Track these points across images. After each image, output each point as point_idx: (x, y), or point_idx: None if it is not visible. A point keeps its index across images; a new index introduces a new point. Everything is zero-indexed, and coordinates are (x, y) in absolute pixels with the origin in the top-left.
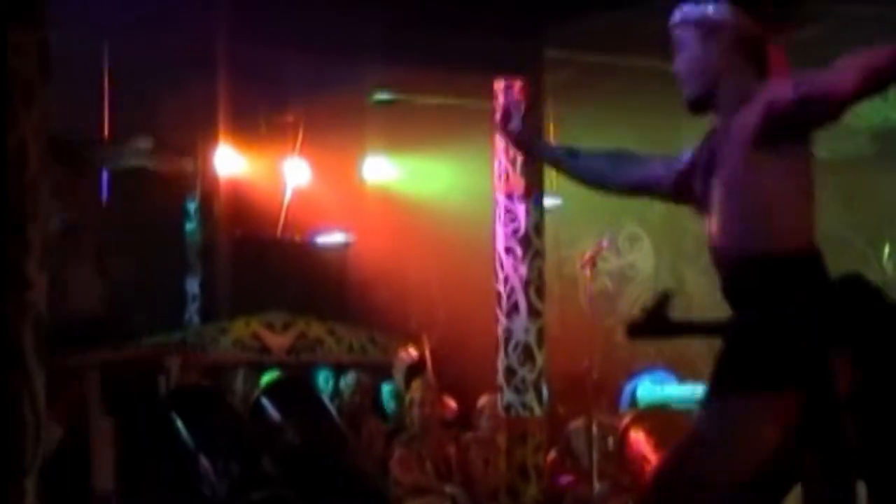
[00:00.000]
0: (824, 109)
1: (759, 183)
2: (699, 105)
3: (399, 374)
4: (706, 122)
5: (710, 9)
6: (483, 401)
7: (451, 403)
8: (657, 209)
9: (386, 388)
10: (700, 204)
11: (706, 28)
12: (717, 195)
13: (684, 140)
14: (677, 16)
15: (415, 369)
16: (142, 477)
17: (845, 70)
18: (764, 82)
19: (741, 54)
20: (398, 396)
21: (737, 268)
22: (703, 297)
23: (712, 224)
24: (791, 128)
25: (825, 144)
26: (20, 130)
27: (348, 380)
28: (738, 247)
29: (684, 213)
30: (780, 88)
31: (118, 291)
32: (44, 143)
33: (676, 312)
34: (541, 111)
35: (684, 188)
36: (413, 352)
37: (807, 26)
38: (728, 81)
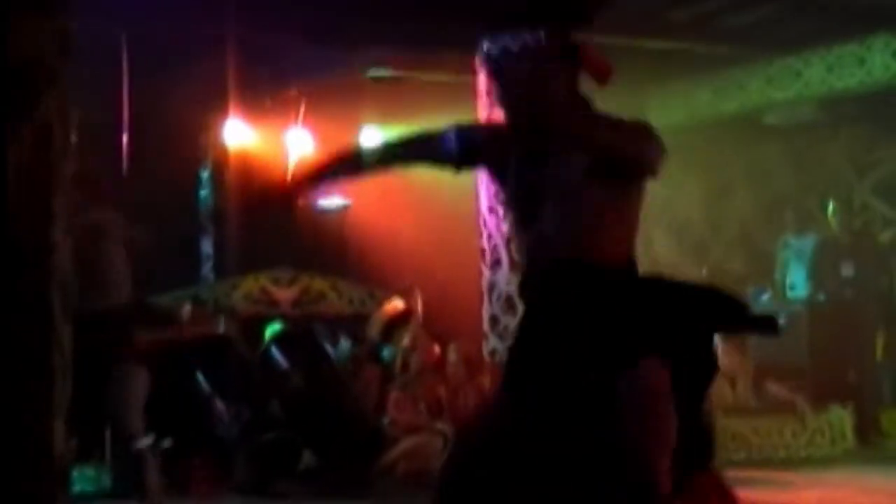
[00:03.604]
0: None
1: (591, 201)
2: None
3: (376, 329)
4: (670, 97)
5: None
6: (449, 349)
7: (436, 350)
8: None
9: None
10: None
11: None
12: (546, 200)
13: (650, 113)
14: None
15: (399, 321)
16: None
17: None
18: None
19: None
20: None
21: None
22: (670, 255)
23: (539, 227)
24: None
25: (777, 113)
26: (43, 111)
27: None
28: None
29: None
30: None
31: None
32: (66, 122)
33: (644, 266)
34: None
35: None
36: (400, 304)
37: (760, 7)
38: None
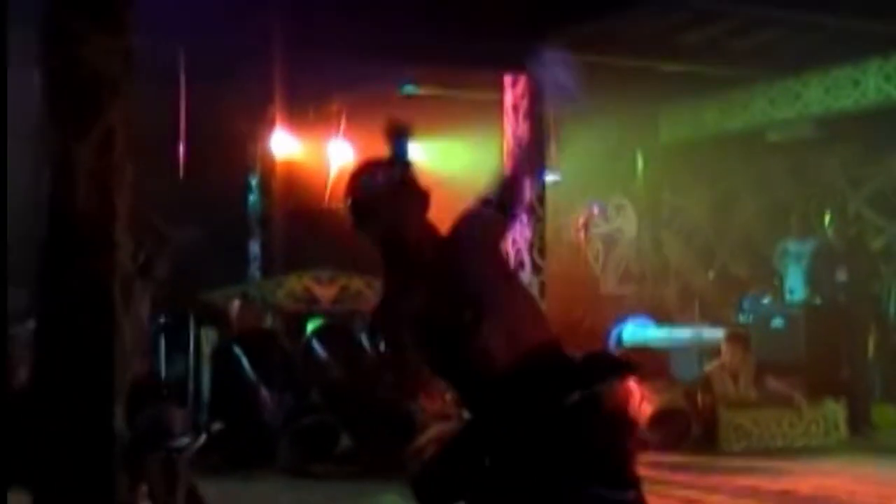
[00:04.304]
0: None
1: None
2: None
3: None
4: (680, 115)
5: None
6: None
7: None
8: (639, 182)
9: None
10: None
11: None
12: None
13: (662, 129)
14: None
15: None
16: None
17: None
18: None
19: None
20: None
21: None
22: (679, 259)
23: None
24: None
25: (778, 130)
26: (108, 120)
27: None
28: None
29: (662, 185)
30: None
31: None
32: (129, 130)
33: (655, 272)
34: (542, 103)
35: None
36: None
37: (763, 31)
38: None
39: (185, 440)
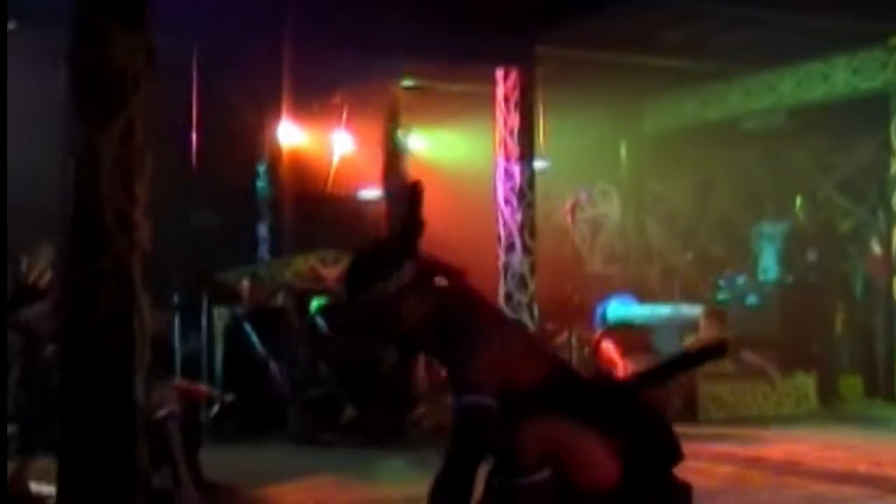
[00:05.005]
0: None
1: None
2: None
3: None
4: (663, 107)
5: None
6: None
7: None
8: (625, 170)
9: None
10: None
11: None
12: None
13: (645, 120)
14: None
15: None
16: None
17: None
18: None
19: None
20: None
21: None
22: (660, 241)
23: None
24: None
25: (753, 120)
26: (130, 111)
27: None
28: None
29: (645, 172)
30: None
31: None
32: (148, 121)
33: (638, 254)
34: (533, 95)
35: None
36: None
37: (740, 29)
38: None
39: (164, 411)
